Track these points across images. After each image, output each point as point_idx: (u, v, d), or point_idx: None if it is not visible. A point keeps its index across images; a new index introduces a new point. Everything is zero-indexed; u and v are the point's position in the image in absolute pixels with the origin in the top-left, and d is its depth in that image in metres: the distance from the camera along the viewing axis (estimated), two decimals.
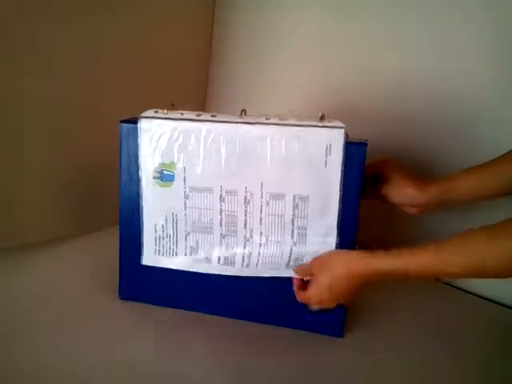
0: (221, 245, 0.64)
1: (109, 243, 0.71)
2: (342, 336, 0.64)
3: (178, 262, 0.66)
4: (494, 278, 0.51)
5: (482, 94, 0.76)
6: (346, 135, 0.58)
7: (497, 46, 0.74)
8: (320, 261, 0.60)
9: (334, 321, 0.63)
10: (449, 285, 0.82)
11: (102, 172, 0.90)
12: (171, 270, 0.66)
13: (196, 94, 1.17)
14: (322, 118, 0.59)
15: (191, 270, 0.65)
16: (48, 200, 0.87)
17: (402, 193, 0.65)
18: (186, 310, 0.67)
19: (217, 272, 0.64)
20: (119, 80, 0.94)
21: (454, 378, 0.58)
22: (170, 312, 0.66)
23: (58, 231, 0.88)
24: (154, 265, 0.66)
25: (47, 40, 0.81)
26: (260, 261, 0.63)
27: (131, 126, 0.62)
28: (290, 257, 0.63)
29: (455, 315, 0.72)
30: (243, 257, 0.63)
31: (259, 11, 1.05)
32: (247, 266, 0.64)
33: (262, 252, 0.63)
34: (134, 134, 0.62)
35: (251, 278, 0.64)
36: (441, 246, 0.53)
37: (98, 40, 0.89)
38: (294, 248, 0.62)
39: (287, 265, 0.63)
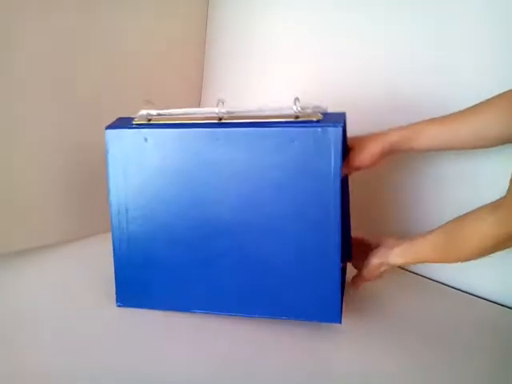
0: None
1: (105, 248, 0.69)
2: (339, 322, 0.61)
3: None
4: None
5: (478, 85, 0.73)
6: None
7: (492, 43, 0.72)
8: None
9: (329, 307, 0.60)
10: (449, 286, 0.80)
11: (95, 175, 0.89)
12: (168, 273, 0.65)
13: (191, 91, 1.15)
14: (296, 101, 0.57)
15: None
16: (40, 205, 0.85)
17: (364, 150, 0.64)
18: (185, 311, 0.65)
19: None
20: (114, 80, 0.93)
21: (454, 374, 0.56)
22: (166, 315, 0.65)
23: (51, 237, 0.87)
24: None
25: (45, 37, 0.81)
26: None
27: (117, 131, 0.62)
28: None
29: (456, 314, 0.71)
30: None
31: (252, 7, 1.05)
32: None
33: None
34: (120, 140, 0.62)
35: (246, 271, 0.62)
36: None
37: (93, 39, 0.89)
38: None
39: None
